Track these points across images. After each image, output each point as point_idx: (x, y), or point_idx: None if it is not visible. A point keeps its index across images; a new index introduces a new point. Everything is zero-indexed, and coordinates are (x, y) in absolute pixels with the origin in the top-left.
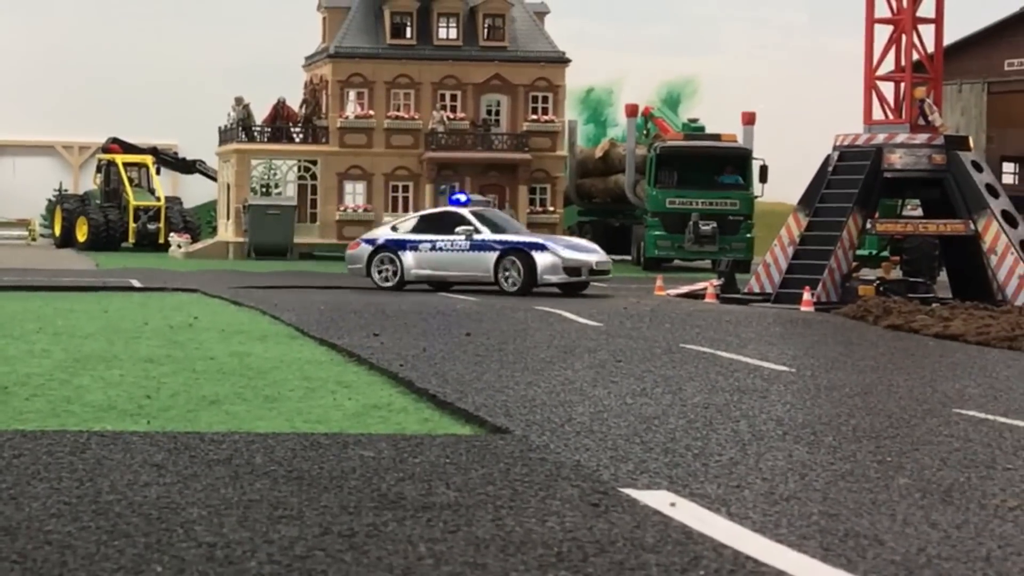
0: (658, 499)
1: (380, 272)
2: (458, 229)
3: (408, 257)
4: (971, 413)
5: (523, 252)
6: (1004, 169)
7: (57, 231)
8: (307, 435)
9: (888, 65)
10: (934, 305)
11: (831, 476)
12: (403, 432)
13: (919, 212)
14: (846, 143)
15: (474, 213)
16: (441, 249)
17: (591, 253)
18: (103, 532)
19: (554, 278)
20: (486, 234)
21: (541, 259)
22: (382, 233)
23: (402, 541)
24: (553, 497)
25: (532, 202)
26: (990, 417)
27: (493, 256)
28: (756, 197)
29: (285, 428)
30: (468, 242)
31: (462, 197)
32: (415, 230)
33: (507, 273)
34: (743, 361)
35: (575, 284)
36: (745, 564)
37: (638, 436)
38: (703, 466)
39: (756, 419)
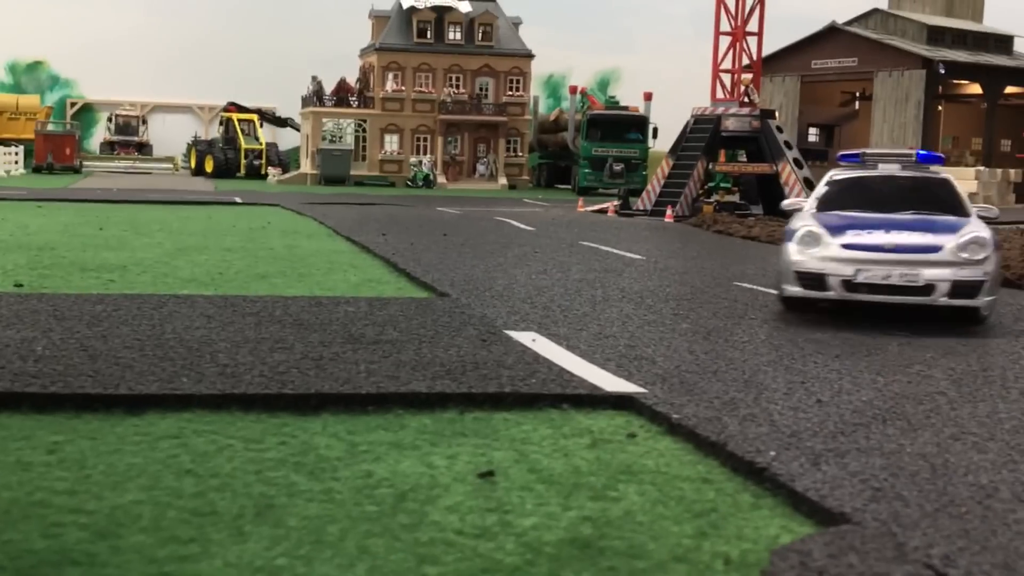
0: (525, 337)
1: None
2: None
3: None
4: (744, 285)
5: None
6: (810, 132)
7: (192, 165)
8: (316, 297)
9: (727, 63)
10: (749, 218)
11: (640, 323)
12: (380, 296)
13: (745, 159)
14: (699, 113)
15: None
16: None
17: None
18: (155, 358)
19: None
20: None
21: None
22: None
23: (351, 363)
24: (459, 336)
25: (508, 150)
26: (755, 287)
27: None
28: (649, 148)
29: (305, 293)
30: None
31: None
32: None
33: None
34: (615, 252)
35: None
36: (562, 375)
37: (530, 299)
38: (563, 317)
39: (609, 288)
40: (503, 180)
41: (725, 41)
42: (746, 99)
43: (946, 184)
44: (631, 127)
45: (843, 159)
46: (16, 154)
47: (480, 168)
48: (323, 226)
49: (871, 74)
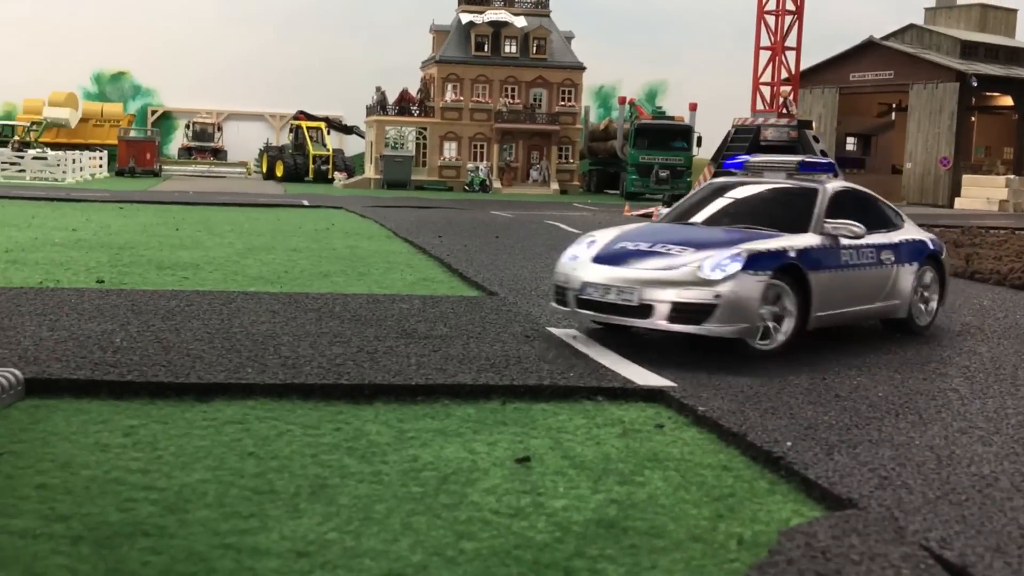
0: (567, 334)
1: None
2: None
3: None
4: None
5: None
6: (848, 142)
7: (264, 169)
8: (374, 295)
9: (767, 76)
10: None
11: None
12: (434, 294)
13: None
14: (740, 123)
15: None
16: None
17: None
18: (223, 350)
19: None
20: None
21: None
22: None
23: (403, 356)
24: (504, 332)
25: (560, 156)
26: None
27: None
28: (693, 156)
29: (364, 291)
30: None
31: None
32: None
33: None
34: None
35: None
36: (598, 369)
37: None
38: None
39: None
40: (555, 185)
41: (765, 55)
42: (784, 110)
43: (810, 195)
44: (676, 136)
45: (727, 166)
46: (101, 158)
47: (533, 174)
48: (384, 228)
49: (907, 86)
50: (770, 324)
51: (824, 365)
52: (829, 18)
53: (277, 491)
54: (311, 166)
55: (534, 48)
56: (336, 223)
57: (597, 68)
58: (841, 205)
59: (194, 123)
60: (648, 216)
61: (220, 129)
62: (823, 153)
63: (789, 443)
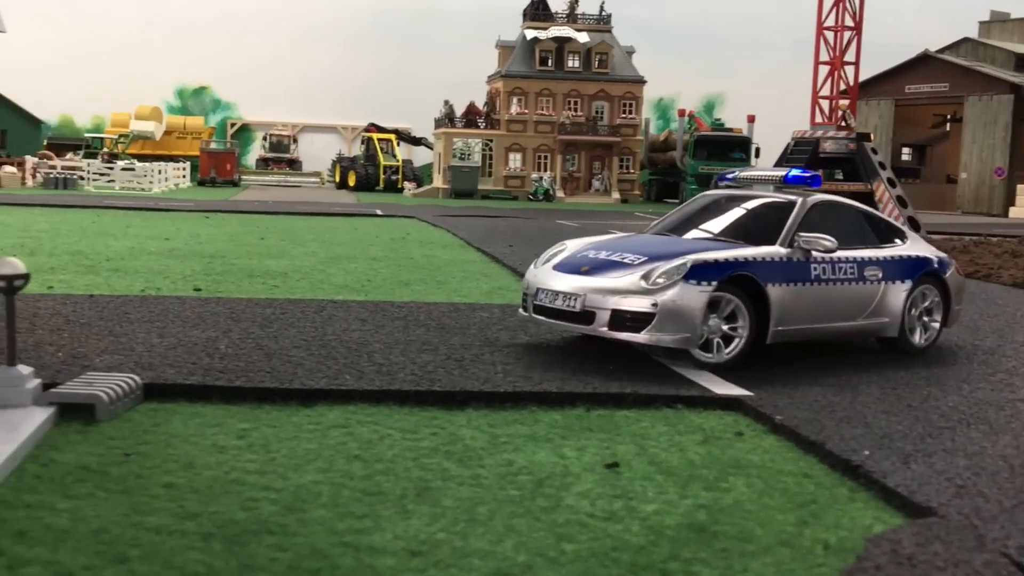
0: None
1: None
2: None
3: None
4: None
5: None
6: (903, 152)
7: (337, 179)
8: (454, 303)
9: (825, 90)
10: None
11: None
12: (511, 303)
13: (840, 177)
14: (799, 135)
15: None
16: None
17: None
18: (321, 356)
19: None
20: None
21: None
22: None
23: (489, 363)
24: (582, 340)
25: (621, 167)
26: None
27: None
28: (751, 166)
29: (444, 299)
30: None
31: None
32: None
33: None
34: None
35: None
36: (676, 378)
37: None
38: None
39: None
40: (616, 194)
41: (824, 70)
42: (843, 123)
43: (787, 208)
44: (735, 147)
45: (722, 180)
46: (184, 169)
47: (595, 183)
48: (455, 237)
49: (962, 98)
50: (716, 336)
51: (893, 375)
52: (885, 31)
53: (385, 493)
54: (381, 176)
55: (596, 63)
56: (410, 232)
57: (656, 81)
58: (823, 219)
59: (271, 135)
60: None
61: (295, 141)
62: (881, 165)
63: (867, 452)
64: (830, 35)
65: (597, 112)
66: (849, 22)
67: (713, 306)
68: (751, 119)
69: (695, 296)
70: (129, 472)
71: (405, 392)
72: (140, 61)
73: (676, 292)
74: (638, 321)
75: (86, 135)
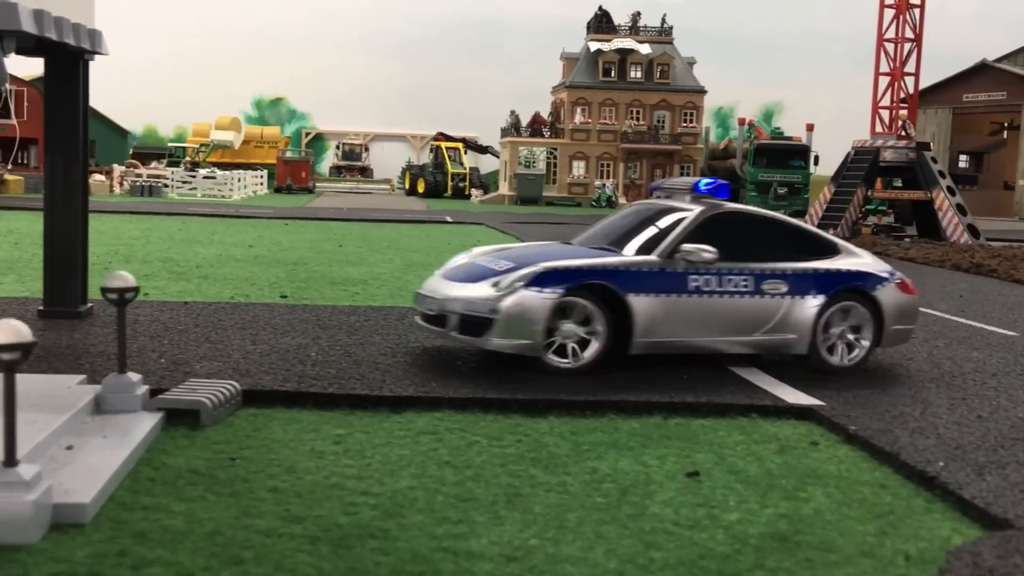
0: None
1: None
2: None
3: None
4: None
5: None
6: (960, 159)
7: (407, 186)
8: None
9: (885, 100)
10: (904, 240)
11: None
12: None
13: (900, 185)
14: (859, 145)
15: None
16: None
17: None
18: (407, 364)
19: None
20: None
21: None
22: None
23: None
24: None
25: (681, 174)
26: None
27: None
28: (810, 174)
29: None
30: None
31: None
32: None
33: None
34: None
35: None
36: (748, 388)
37: None
38: None
39: None
40: None
41: (884, 80)
42: (903, 133)
43: (680, 219)
44: (794, 155)
45: (651, 190)
46: (261, 177)
47: None
48: (521, 241)
49: (1019, 106)
50: (571, 342)
51: (962, 386)
52: (943, 41)
53: (477, 499)
54: (449, 183)
55: (658, 73)
56: (481, 239)
57: (716, 90)
58: (722, 230)
59: (343, 144)
60: None
61: (367, 149)
62: (941, 173)
63: (941, 463)
64: (890, 47)
65: (658, 121)
66: (909, 34)
67: (566, 312)
68: (810, 128)
69: (537, 303)
70: (235, 476)
71: (490, 400)
72: (220, 73)
73: (516, 298)
74: (480, 326)
75: (169, 144)
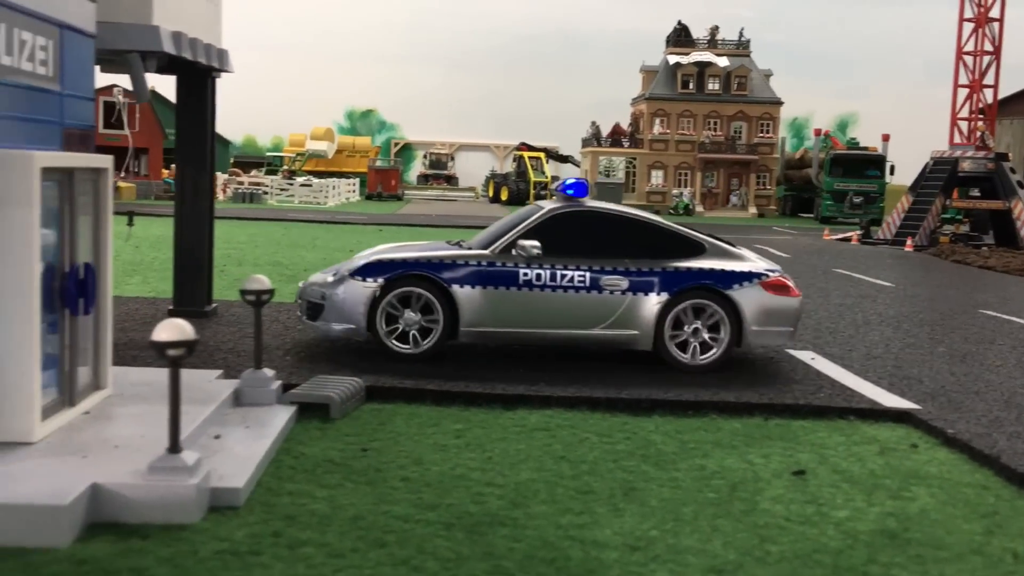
0: (805, 356)
1: None
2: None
3: None
4: (988, 312)
5: None
6: None
7: (490, 194)
8: None
9: (964, 111)
10: (983, 248)
11: (902, 345)
12: None
13: (978, 195)
14: (938, 155)
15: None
16: None
17: None
18: (515, 364)
19: None
20: None
21: None
22: None
23: (664, 371)
24: (749, 353)
25: (758, 183)
26: (999, 315)
27: None
28: (886, 183)
29: None
30: None
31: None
32: None
33: None
34: (867, 279)
35: None
36: (844, 390)
37: (801, 321)
38: (833, 338)
39: (868, 313)
40: (753, 209)
41: (962, 92)
42: (981, 143)
43: (530, 216)
44: (870, 165)
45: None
46: (354, 185)
47: (733, 199)
48: None
49: None
50: (412, 329)
51: None
52: (1019, 51)
53: (595, 492)
54: (531, 191)
55: (735, 85)
56: None
57: (791, 101)
58: (569, 228)
59: (430, 153)
60: (847, 240)
61: (452, 158)
62: (1019, 184)
63: None
64: (969, 59)
65: (735, 132)
66: (988, 47)
67: (408, 302)
68: (885, 138)
69: (359, 291)
70: (368, 466)
71: (597, 398)
72: (314, 87)
73: (343, 287)
74: (315, 311)
75: (267, 154)
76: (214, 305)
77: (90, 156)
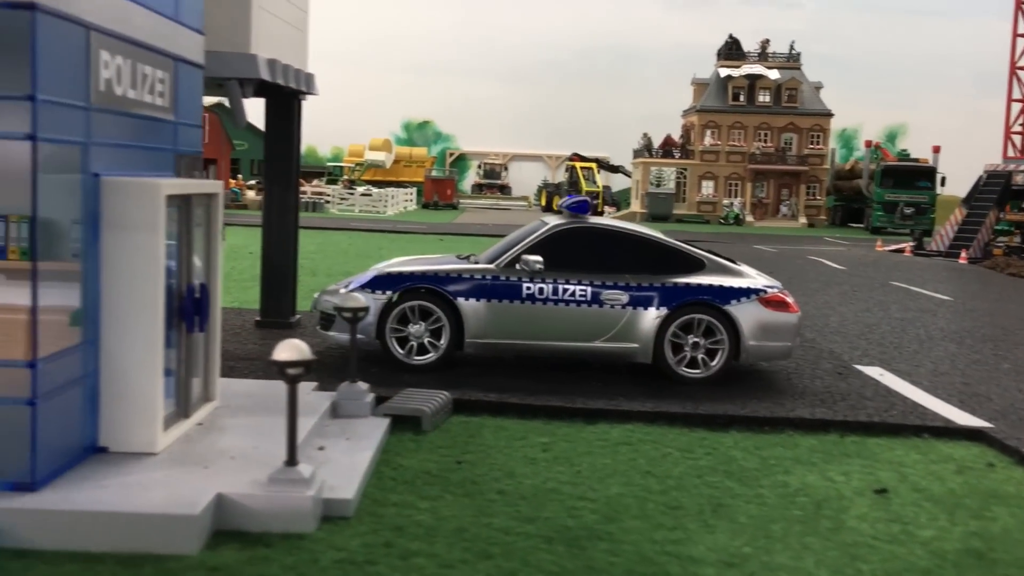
0: (874, 372)
1: None
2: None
3: None
4: None
5: None
6: None
7: (543, 203)
8: None
9: (1017, 125)
10: None
11: (967, 361)
12: None
13: None
14: (991, 169)
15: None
16: None
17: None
18: (592, 378)
19: None
20: None
21: None
22: None
23: (742, 388)
24: (818, 368)
25: (808, 193)
26: None
27: None
28: (937, 195)
29: None
30: None
31: None
32: None
33: None
34: (925, 293)
35: None
36: (916, 408)
37: (863, 335)
38: (898, 353)
39: (930, 328)
40: (803, 219)
41: (1016, 106)
42: None
43: (536, 231)
44: (921, 176)
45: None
46: (411, 194)
47: (783, 209)
48: None
49: None
50: (418, 341)
51: None
52: None
53: (684, 507)
54: None
55: (785, 97)
56: None
57: (840, 112)
58: (573, 244)
59: (485, 163)
60: (900, 251)
61: (506, 168)
62: None
63: None
64: (1023, 74)
65: (786, 143)
66: None
67: (417, 314)
68: (936, 150)
69: (369, 303)
70: (464, 478)
71: (674, 413)
72: (373, 99)
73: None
74: (327, 321)
75: (328, 164)
76: (297, 316)
77: (204, 183)
